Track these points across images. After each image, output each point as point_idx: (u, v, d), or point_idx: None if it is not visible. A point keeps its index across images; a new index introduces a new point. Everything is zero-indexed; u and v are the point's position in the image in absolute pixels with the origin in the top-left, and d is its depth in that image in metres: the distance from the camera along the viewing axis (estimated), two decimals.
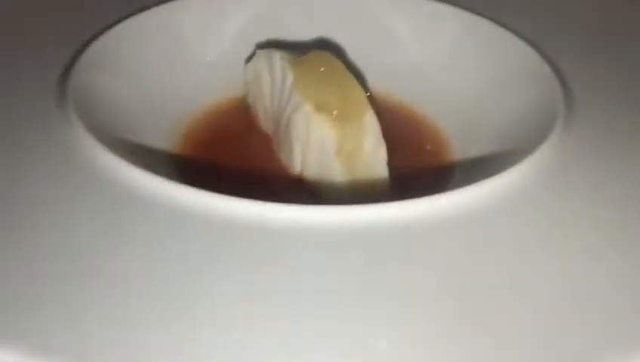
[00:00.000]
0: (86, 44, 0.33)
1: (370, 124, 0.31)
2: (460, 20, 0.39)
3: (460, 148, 0.35)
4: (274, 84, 0.34)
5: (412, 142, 0.36)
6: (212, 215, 0.24)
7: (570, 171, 0.28)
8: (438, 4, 0.39)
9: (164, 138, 0.34)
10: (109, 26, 0.35)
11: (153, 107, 0.35)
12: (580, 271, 0.23)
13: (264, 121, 0.36)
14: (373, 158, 0.31)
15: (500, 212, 0.25)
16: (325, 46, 0.40)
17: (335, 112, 0.31)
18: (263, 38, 0.39)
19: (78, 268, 0.22)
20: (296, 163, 0.33)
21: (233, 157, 0.34)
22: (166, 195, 0.24)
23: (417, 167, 0.34)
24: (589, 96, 0.32)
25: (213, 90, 0.38)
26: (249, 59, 0.37)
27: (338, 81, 0.32)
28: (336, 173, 0.30)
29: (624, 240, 0.25)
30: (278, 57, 0.34)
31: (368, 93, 0.39)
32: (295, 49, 0.36)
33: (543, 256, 0.24)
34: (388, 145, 0.31)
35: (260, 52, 0.36)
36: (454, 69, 0.38)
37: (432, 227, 0.24)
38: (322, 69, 0.33)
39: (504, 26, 0.37)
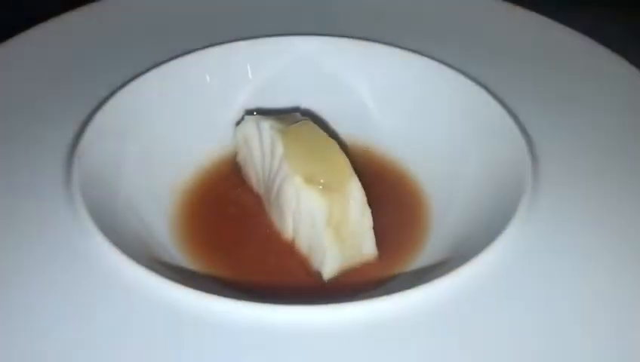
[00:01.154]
0: (85, 122, 0.35)
1: (355, 191, 0.34)
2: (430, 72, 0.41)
3: (436, 203, 0.38)
4: (263, 151, 0.37)
5: (393, 200, 0.39)
6: (209, 316, 0.26)
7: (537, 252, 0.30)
8: (408, 58, 0.41)
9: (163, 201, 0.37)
10: (104, 100, 0.37)
11: (153, 172, 0.38)
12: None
13: (255, 183, 0.39)
14: (359, 225, 0.34)
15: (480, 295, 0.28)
16: (305, 110, 0.42)
17: (322, 181, 0.33)
18: (249, 104, 0.42)
19: None
20: (287, 229, 0.35)
21: (229, 222, 0.37)
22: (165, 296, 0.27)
23: (399, 226, 0.37)
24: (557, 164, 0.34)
25: (204, 150, 0.40)
26: (238, 123, 0.39)
27: (323, 150, 0.35)
28: (326, 243, 0.33)
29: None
30: (267, 126, 0.36)
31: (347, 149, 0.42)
32: (277, 113, 0.38)
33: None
34: (372, 206, 0.34)
35: (248, 118, 0.38)
36: (427, 123, 0.41)
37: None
38: (308, 139, 0.35)
39: (476, 79, 0.39)
